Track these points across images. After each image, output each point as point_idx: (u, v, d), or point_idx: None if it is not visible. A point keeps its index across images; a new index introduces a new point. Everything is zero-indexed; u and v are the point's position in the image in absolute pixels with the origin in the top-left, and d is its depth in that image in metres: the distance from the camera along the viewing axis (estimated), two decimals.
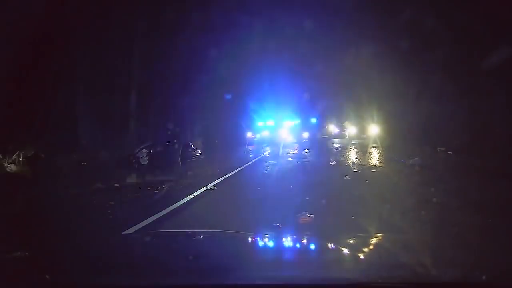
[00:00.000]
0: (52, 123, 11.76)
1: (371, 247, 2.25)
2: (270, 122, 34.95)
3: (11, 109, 10.21)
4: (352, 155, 16.86)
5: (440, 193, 6.76)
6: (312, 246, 2.37)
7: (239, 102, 25.80)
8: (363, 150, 17.80)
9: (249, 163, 15.60)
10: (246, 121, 29.63)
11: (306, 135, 34.86)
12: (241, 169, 13.21)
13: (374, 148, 18.58)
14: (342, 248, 2.21)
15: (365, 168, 11.68)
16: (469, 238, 4.02)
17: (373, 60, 19.47)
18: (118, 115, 14.92)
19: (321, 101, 33.94)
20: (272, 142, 28.09)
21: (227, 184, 9.98)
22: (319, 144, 24.70)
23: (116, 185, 9.86)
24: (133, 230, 5.21)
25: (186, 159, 14.76)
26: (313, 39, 22.34)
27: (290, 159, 16.59)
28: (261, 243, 2.51)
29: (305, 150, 21.22)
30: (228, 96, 23.07)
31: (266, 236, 2.67)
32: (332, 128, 37.32)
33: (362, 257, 2.00)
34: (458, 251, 2.11)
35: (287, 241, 2.54)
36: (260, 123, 33.53)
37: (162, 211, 6.46)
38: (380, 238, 2.65)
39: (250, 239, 2.60)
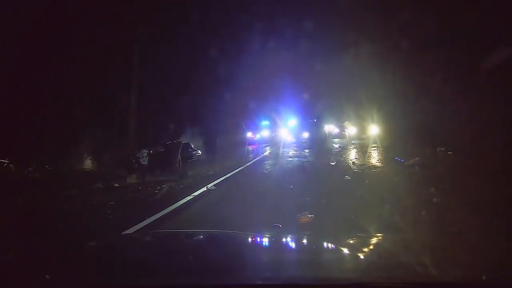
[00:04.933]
0: (52, 123, 11.78)
1: (371, 247, 2.25)
2: (270, 122, 34.97)
3: (12, 109, 10.22)
4: (352, 155, 16.86)
5: (440, 193, 6.76)
6: (312, 246, 2.36)
7: (239, 102, 25.79)
8: (363, 150, 17.80)
9: (249, 163, 15.60)
10: (246, 121, 29.65)
11: (306, 135, 34.85)
12: (241, 169, 13.21)
13: (374, 148, 18.57)
14: (342, 248, 2.21)
15: (365, 168, 11.67)
16: (469, 238, 4.02)
17: (373, 60, 19.45)
18: (118, 115, 14.92)
19: (321, 101, 33.91)
20: (272, 142, 28.11)
21: (227, 184, 9.98)
22: (319, 144, 24.69)
23: (116, 185, 9.87)
24: (133, 230, 5.22)
25: (186, 159, 14.77)
26: (313, 39, 22.36)
27: (290, 159, 16.58)
28: (261, 243, 2.51)
29: (305, 150, 21.21)
30: (228, 96, 23.07)
31: (266, 236, 2.67)
32: (332, 128, 37.29)
33: (362, 257, 1.99)
34: (458, 251, 2.11)
35: (287, 241, 2.53)
36: (260, 123, 33.54)
37: (162, 211, 6.47)
38: (380, 238, 2.65)
39: (250, 239, 2.60)
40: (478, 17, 11.95)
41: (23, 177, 9.89)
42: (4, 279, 1.60)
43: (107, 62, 12.66)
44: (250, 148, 24.50)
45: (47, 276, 1.63)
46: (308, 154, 18.97)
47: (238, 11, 18.74)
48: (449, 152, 13.76)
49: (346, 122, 35.28)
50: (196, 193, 8.10)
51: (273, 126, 35.20)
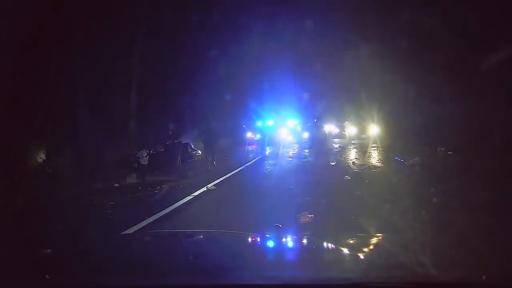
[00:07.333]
0: (52, 123, 11.76)
1: (371, 247, 2.25)
2: (270, 122, 34.93)
3: (11, 109, 10.20)
4: (352, 155, 16.86)
5: (440, 193, 6.76)
6: (312, 246, 2.37)
7: (239, 102, 25.76)
8: (363, 150, 17.80)
9: (249, 163, 15.60)
10: (246, 121, 29.62)
11: (306, 135, 34.84)
12: (241, 169, 13.22)
13: (374, 148, 18.58)
14: (342, 248, 2.21)
15: (365, 168, 11.67)
16: (469, 238, 4.02)
17: (373, 60, 19.44)
18: (118, 115, 14.91)
19: (321, 101, 33.92)
20: (272, 142, 28.09)
21: (227, 184, 9.98)
22: (319, 144, 24.69)
23: (116, 185, 9.87)
24: (133, 230, 5.22)
25: (186, 159, 14.77)
26: (313, 39, 22.36)
27: (290, 159, 16.58)
28: (261, 243, 2.51)
29: (305, 150, 21.22)
30: (228, 96, 23.05)
31: (266, 236, 2.67)
32: (332, 128, 37.28)
33: (362, 257, 2.00)
34: (458, 251, 2.11)
35: (287, 241, 2.53)
36: (260, 123, 33.51)
37: (162, 211, 6.47)
38: (380, 238, 2.66)
39: (250, 239, 2.60)
40: (478, 17, 11.95)
41: (22, 176, 9.87)
42: (4, 279, 1.60)
43: (107, 61, 12.66)
44: (250, 148, 24.49)
45: (47, 276, 1.63)
46: (308, 154, 18.98)
47: (239, 11, 18.74)
48: (449, 152, 13.75)
49: (346, 122, 35.30)
50: (196, 193, 8.10)
51: (273, 126, 35.17)
